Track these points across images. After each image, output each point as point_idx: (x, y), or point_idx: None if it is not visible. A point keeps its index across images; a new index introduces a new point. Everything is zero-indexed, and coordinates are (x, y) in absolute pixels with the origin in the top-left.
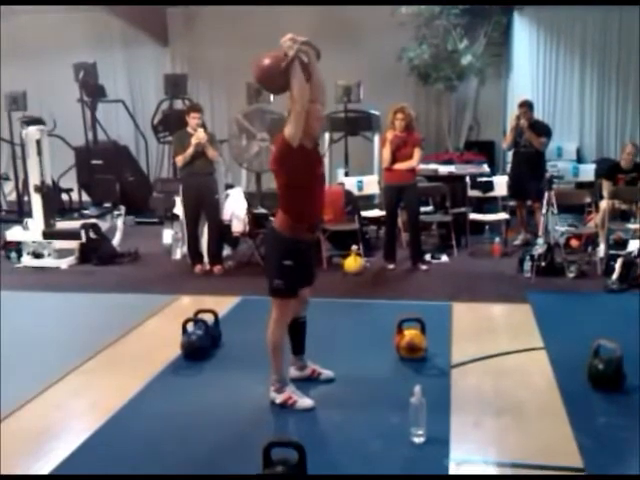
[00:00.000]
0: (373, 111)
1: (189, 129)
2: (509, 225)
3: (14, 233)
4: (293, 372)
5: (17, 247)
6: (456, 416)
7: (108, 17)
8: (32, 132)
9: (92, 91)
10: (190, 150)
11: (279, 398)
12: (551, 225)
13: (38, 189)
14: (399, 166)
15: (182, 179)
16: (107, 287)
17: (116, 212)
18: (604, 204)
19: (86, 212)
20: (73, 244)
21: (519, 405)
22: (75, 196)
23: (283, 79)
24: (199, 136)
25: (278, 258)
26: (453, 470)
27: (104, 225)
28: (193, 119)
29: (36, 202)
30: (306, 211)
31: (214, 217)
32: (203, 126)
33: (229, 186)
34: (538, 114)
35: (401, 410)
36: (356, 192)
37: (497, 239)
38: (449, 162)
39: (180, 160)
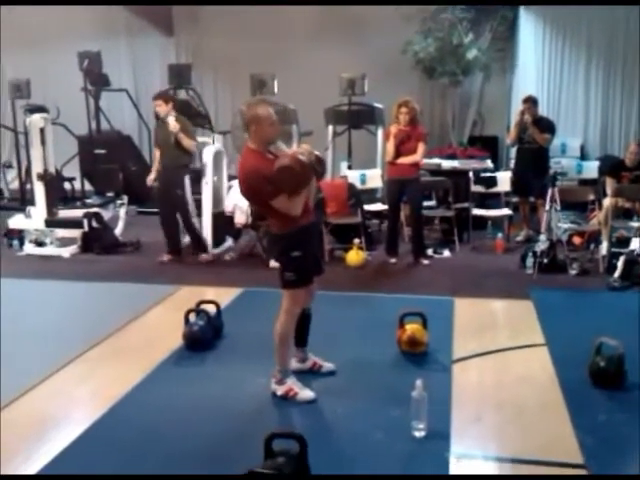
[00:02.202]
0: (377, 104)
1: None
2: (512, 221)
3: (17, 221)
4: (294, 364)
5: (19, 235)
6: (457, 411)
7: (114, 7)
8: (36, 120)
9: (96, 80)
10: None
11: (280, 390)
12: (554, 222)
13: (41, 177)
14: (403, 160)
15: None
16: (109, 276)
17: (119, 201)
18: (607, 202)
19: (89, 201)
20: (75, 233)
21: (520, 401)
22: (78, 185)
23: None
24: (171, 125)
25: (286, 252)
26: (453, 464)
27: (106, 214)
28: (156, 107)
29: (39, 190)
30: (288, 217)
31: (182, 211)
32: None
33: (232, 177)
34: (542, 110)
35: (402, 404)
36: (359, 185)
37: (499, 235)
38: (452, 157)
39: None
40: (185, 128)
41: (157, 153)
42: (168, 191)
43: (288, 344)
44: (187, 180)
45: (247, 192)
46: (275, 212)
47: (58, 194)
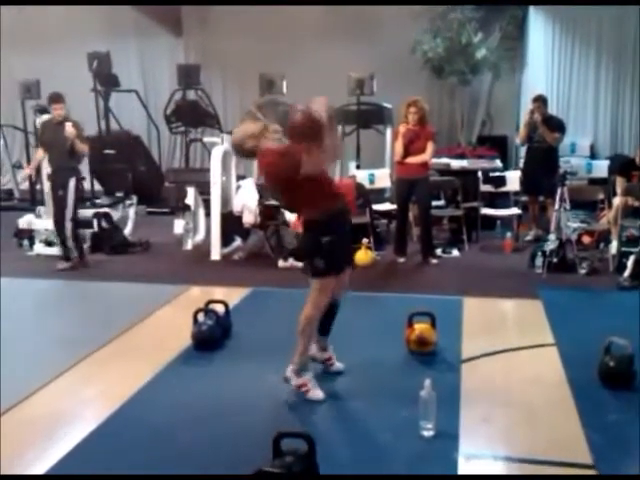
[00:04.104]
0: (386, 104)
1: (53, 121)
2: (521, 220)
3: (27, 221)
4: (313, 350)
5: (29, 235)
6: (466, 411)
7: (123, 8)
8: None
9: (105, 80)
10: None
11: (295, 381)
12: (563, 221)
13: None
14: (411, 160)
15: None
16: (118, 276)
17: (128, 201)
18: (617, 201)
19: (98, 201)
20: (85, 233)
21: (529, 401)
22: (87, 185)
23: (311, 134)
24: (68, 130)
25: (315, 238)
26: (462, 464)
27: (116, 214)
28: (55, 110)
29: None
30: (317, 199)
31: (58, 213)
32: (69, 119)
33: (241, 177)
34: (552, 109)
35: (411, 403)
36: (368, 185)
37: (509, 234)
38: (461, 156)
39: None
40: (80, 133)
41: (40, 153)
42: (54, 191)
43: (310, 335)
44: (72, 182)
45: (272, 178)
46: (303, 196)
47: None
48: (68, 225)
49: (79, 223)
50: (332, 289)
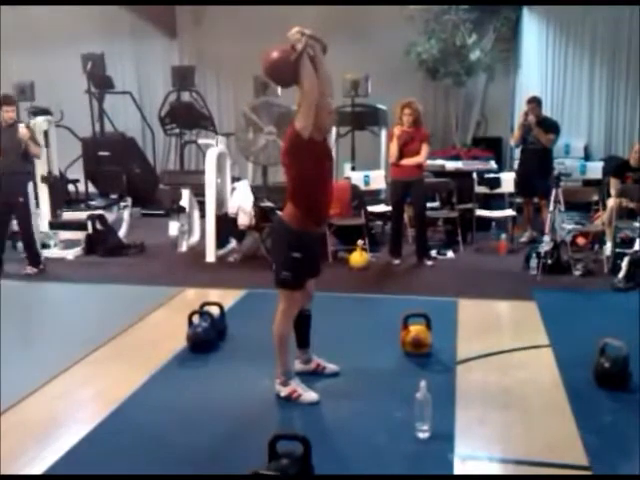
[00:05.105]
0: (380, 106)
1: (3, 124)
2: (515, 222)
3: None
4: (298, 365)
5: None
6: (461, 412)
7: (117, 9)
8: (40, 122)
9: (100, 82)
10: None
11: (284, 391)
12: (558, 223)
13: (45, 179)
14: (406, 162)
15: None
16: (113, 278)
17: (122, 203)
18: (612, 202)
19: (92, 203)
20: (79, 235)
21: (524, 402)
22: (82, 187)
23: (292, 72)
24: (22, 132)
25: (286, 250)
26: (457, 466)
27: (110, 216)
28: (6, 113)
29: (43, 193)
30: (315, 204)
31: (22, 219)
32: (26, 122)
33: (235, 179)
34: (546, 111)
35: (406, 405)
36: (363, 187)
37: (503, 236)
38: (456, 158)
39: None
40: (34, 136)
41: None
42: (9, 197)
43: (287, 345)
44: (30, 187)
45: (287, 154)
46: (301, 192)
47: (62, 196)
48: (35, 230)
49: None
50: (300, 299)
